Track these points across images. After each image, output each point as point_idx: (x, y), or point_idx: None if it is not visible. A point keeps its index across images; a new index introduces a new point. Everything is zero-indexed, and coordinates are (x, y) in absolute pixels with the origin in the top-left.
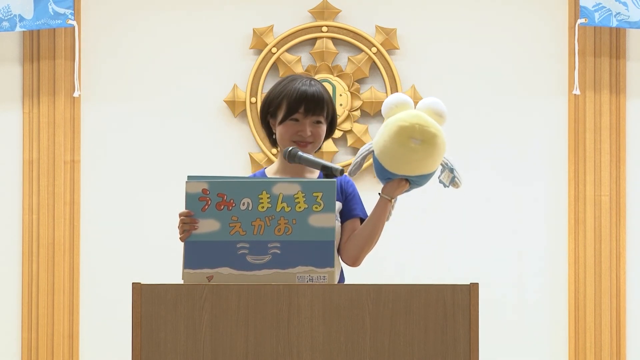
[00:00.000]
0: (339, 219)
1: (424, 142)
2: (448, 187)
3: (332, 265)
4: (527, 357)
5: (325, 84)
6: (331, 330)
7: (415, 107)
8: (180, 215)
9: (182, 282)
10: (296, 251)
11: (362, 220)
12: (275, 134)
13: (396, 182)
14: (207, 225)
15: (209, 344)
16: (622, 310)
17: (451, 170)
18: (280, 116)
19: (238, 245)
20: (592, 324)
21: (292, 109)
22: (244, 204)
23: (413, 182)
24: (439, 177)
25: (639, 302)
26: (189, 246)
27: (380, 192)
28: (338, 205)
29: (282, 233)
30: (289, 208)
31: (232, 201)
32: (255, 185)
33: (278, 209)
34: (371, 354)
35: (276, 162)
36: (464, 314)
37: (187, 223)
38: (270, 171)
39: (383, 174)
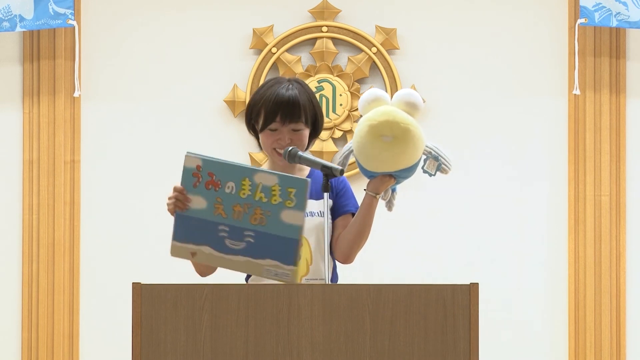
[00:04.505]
0: (330, 216)
1: (396, 138)
2: (434, 175)
3: (294, 263)
4: (527, 357)
5: (325, 84)
6: (331, 330)
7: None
8: (174, 189)
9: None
10: (267, 243)
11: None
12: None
13: (379, 179)
14: (196, 202)
15: (209, 344)
16: (622, 310)
17: (436, 158)
18: (259, 125)
19: (219, 227)
20: (592, 324)
21: (269, 118)
22: (228, 187)
23: (398, 176)
24: (422, 168)
25: (639, 302)
26: (179, 219)
27: (365, 189)
28: (329, 202)
29: (257, 223)
30: (266, 199)
31: (219, 182)
32: (241, 170)
33: (256, 198)
34: (371, 354)
35: (268, 160)
36: (464, 314)
37: (180, 200)
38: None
39: (365, 172)
